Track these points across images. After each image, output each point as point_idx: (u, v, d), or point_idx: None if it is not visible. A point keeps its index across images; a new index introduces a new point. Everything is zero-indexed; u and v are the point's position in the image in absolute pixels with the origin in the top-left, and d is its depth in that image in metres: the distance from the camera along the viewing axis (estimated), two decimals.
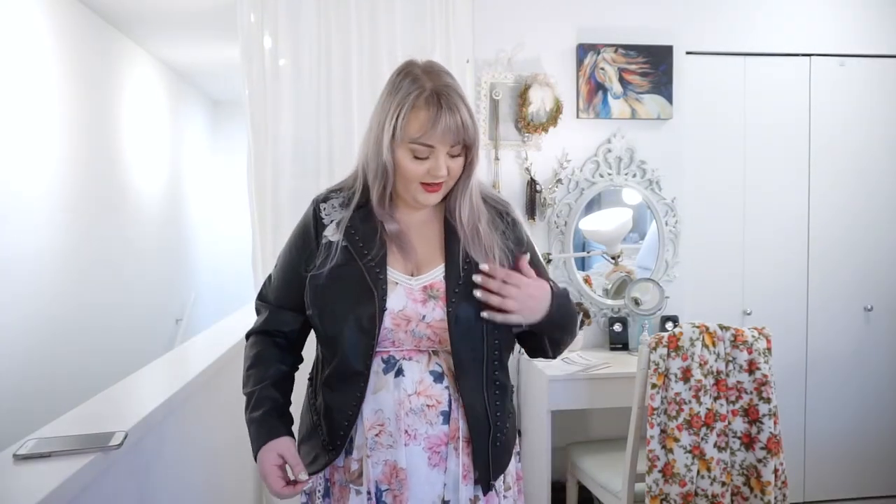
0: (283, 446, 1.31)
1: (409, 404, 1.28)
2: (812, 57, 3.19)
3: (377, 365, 1.30)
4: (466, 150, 1.28)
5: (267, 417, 1.33)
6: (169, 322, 5.39)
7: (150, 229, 4.93)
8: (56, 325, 3.45)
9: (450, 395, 1.30)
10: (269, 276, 1.46)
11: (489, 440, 1.31)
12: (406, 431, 1.28)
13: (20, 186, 3.15)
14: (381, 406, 1.29)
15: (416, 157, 1.25)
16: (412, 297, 1.29)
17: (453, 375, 1.30)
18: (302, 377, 1.46)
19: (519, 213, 1.37)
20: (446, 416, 1.30)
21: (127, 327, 4.34)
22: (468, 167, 1.30)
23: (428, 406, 1.29)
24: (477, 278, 1.25)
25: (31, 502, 1.04)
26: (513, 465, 1.41)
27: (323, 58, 2.82)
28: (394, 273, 1.30)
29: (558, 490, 2.84)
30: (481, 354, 1.29)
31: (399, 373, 1.29)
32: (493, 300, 1.23)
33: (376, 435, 1.29)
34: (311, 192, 1.47)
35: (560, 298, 1.31)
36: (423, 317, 1.28)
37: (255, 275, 2.83)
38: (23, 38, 3.19)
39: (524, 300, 1.24)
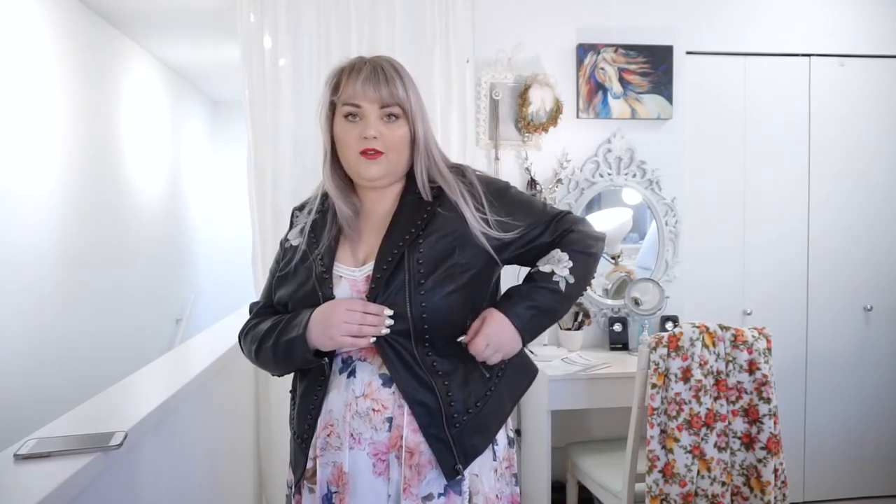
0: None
1: (355, 406, 1.28)
2: (812, 57, 3.19)
3: (336, 364, 1.31)
4: (408, 120, 1.28)
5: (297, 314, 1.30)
6: (169, 322, 5.39)
7: (149, 229, 4.93)
8: (55, 325, 3.45)
9: (395, 401, 1.27)
10: None
11: (444, 424, 1.26)
12: (351, 434, 1.27)
13: (19, 186, 3.15)
14: (332, 406, 1.30)
15: (348, 121, 1.28)
16: (356, 287, 1.29)
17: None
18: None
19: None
20: (391, 423, 1.27)
21: (127, 327, 4.34)
22: (416, 142, 1.30)
23: (373, 410, 1.27)
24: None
25: (31, 502, 1.04)
26: (490, 484, 1.32)
27: (323, 58, 2.82)
28: (340, 267, 1.31)
29: (558, 490, 2.84)
30: (410, 343, 1.26)
31: (352, 373, 1.29)
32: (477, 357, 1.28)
33: (328, 435, 1.30)
34: (310, 192, 1.46)
35: (527, 313, 1.29)
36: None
37: (254, 274, 2.83)
38: (22, 38, 3.19)
39: (495, 342, 1.26)
